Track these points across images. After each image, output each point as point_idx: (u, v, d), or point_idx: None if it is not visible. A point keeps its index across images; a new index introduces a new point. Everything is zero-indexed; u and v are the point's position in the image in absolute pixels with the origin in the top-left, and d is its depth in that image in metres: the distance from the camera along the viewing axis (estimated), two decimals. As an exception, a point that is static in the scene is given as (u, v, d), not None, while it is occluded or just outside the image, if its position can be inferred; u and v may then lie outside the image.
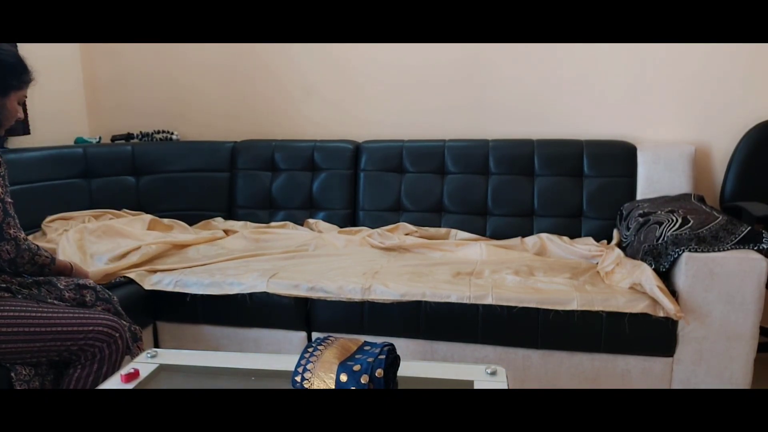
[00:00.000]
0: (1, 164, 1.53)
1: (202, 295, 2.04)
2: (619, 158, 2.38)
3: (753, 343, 1.78)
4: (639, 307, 1.78)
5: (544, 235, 2.34)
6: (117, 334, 1.60)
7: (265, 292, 2.01)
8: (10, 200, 1.55)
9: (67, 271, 1.76)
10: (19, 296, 1.58)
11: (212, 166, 2.71)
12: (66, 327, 1.54)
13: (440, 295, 1.89)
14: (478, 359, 1.90)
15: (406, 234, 2.44)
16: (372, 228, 2.50)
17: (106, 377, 1.54)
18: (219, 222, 2.64)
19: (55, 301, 1.62)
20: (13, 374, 1.51)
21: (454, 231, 2.45)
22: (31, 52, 2.54)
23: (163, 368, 1.43)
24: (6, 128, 1.63)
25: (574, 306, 1.81)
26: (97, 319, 1.59)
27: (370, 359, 1.20)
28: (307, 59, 2.74)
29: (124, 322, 1.69)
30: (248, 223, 2.62)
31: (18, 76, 1.57)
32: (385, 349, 1.23)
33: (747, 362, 1.79)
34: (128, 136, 2.86)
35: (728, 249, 1.75)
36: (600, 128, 2.52)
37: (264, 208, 2.66)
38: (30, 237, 2.23)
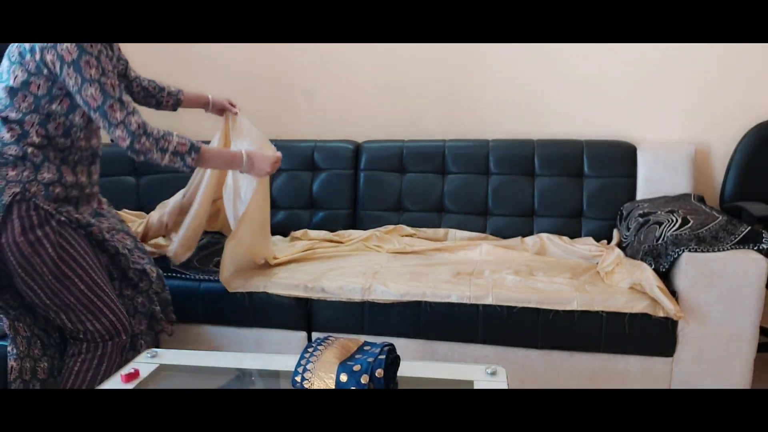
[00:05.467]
0: (99, 48, 1.47)
1: (202, 295, 2.04)
2: (619, 158, 2.37)
3: (753, 343, 1.78)
4: (639, 307, 1.78)
5: (544, 235, 2.34)
6: (122, 337, 1.62)
7: (265, 292, 2.01)
8: (112, 82, 1.48)
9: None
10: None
11: (212, 166, 2.70)
12: (96, 303, 1.57)
13: (440, 295, 1.89)
14: (478, 359, 1.90)
15: (404, 235, 2.44)
16: (372, 229, 2.49)
17: (105, 376, 1.55)
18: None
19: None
20: (11, 347, 1.56)
21: (453, 231, 2.44)
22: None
23: (163, 368, 1.43)
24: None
25: (574, 306, 1.81)
26: (118, 314, 1.61)
27: (370, 359, 1.20)
28: (308, 59, 2.74)
29: (143, 328, 1.74)
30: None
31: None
32: (385, 349, 1.23)
33: (747, 362, 1.79)
34: (128, 136, 2.85)
35: (728, 249, 1.75)
36: (600, 128, 2.52)
37: (264, 208, 2.65)
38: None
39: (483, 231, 2.45)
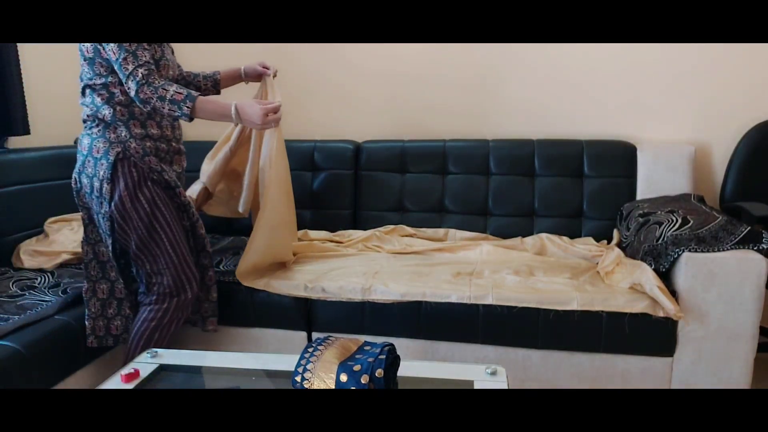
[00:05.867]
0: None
1: (202, 295, 2.04)
2: (619, 158, 2.38)
3: (753, 343, 1.78)
4: (639, 307, 1.78)
5: (544, 235, 2.34)
6: (188, 295, 1.80)
7: (265, 292, 2.01)
8: (132, 44, 1.60)
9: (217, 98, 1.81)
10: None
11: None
12: (174, 259, 1.77)
13: (440, 295, 1.89)
14: (478, 359, 1.90)
15: (404, 235, 2.44)
16: (372, 229, 2.49)
17: (166, 328, 1.80)
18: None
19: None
20: (87, 309, 1.80)
21: (453, 231, 2.45)
22: (31, 52, 2.55)
23: (163, 368, 1.43)
24: None
25: (574, 306, 1.81)
26: (189, 274, 1.80)
27: (371, 359, 1.20)
28: (308, 59, 2.74)
29: (215, 296, 1.95)
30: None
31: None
32: (385, 349, 1.23)
33: (747, 362, 1.79)
34: (128, 136, 2.85)
35: (728, 249, 1.75)
36: (600, 128, 2.52)
37: (264, 208, 2.65)
38: (33, 239, 2.25)
39: (483, 231, 2.45)
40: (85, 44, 1.67)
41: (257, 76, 2.10)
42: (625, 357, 1.83)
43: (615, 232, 2.30)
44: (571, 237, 2.36)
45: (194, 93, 1.67)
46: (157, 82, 1.63)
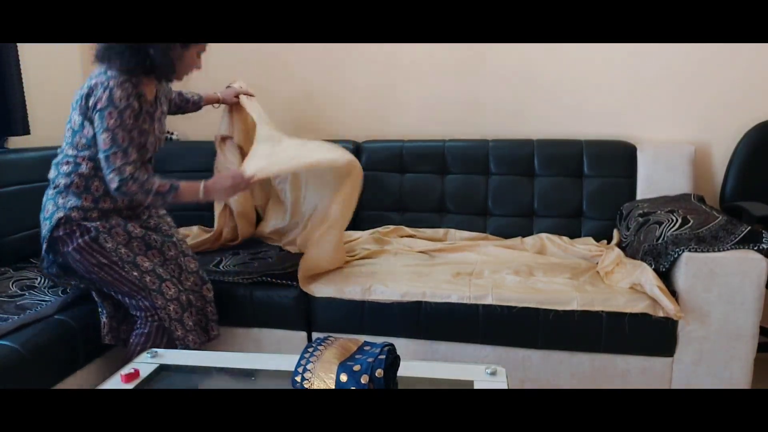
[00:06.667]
0: (125, 103, 1.67)
1: (202, 295, 2.04)
2: (619, 158, 2.37)
3: (753, 343, 1.78)
4: (639, 307, 1.78)
5: (543, 235, 2.34)
6: (160, 317, 1.79)
7: (265, 293, 2.01)
8: (123, 135, 1.68)
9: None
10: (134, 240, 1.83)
11: (212, 166, 2.70)
12: (142, 290, 1.78)
13: (440, 295, 1.89)
14: (478, 359, 1.90)
15: (404, 236, 2.44)
16: (372, 229, 2.49)
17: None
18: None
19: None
20: (101, 309, 1.83)
21: (453, 231, 2.44)
22: (31, 52, 2.55)
23: (163, 368, 1.43)
24: (184, 76, 1.87)
25: (574, 306, 1.81)
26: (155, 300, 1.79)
27: (370, 359, 1.20)
28: (307, 59, 2.74)
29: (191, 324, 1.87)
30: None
31: None
32: (385, 349, 1.23)
33: (747, 362, 1.79)
34: (128, 136, 2.85)
35: (728, 249, 1.75)
36: (600, 128, 2.52)
37: (264, 208, 2.65)
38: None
39: (483, 231, 2.45)
40: (75, 116, 1.73)
41: (234, 98, 2.30)
42: (625, 357, 1.83)
43: (615, 232, 2.29)
44: (571, 237, 2.36)
45: (175, 182, 1.76)
46: (142, 177, 1.71)
